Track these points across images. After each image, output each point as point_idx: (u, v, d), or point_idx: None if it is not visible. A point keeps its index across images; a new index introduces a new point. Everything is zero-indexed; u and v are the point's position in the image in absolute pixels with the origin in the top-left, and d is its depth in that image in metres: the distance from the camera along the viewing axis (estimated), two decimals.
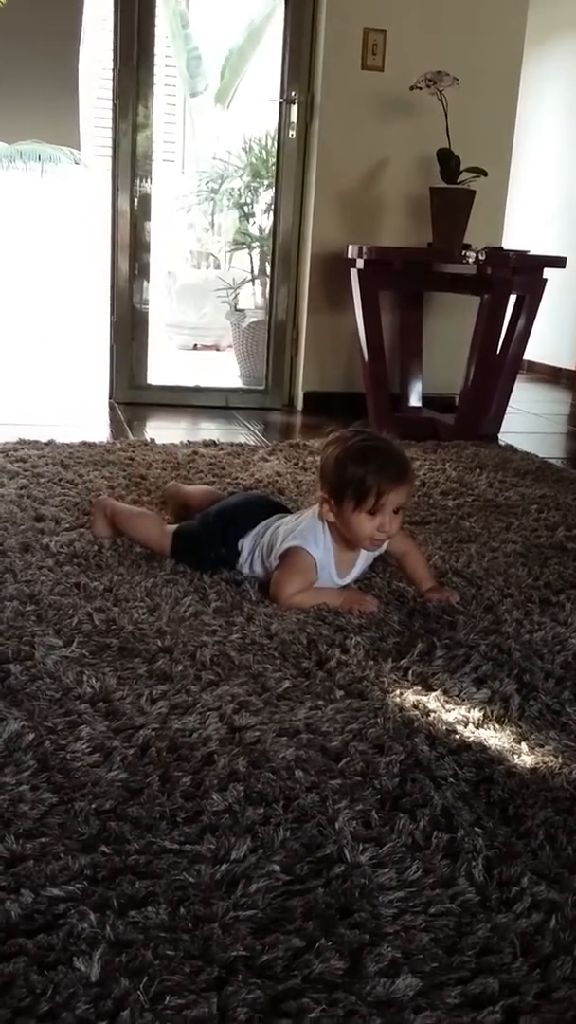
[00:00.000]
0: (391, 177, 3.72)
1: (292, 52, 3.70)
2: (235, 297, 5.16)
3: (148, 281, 3.81)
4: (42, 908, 0.90)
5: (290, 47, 3.70)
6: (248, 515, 1.84)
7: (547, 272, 3.48)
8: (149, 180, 3.70)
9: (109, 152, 3.74)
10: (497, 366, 3.44)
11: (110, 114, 3.66)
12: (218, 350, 5.75)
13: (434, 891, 0.95)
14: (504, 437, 3.46)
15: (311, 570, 1.68)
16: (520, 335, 3.50)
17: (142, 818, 1.04)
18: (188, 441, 2.98)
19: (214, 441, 2.99)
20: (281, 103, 3.77)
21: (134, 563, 1.83)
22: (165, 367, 4.49)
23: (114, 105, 3.63)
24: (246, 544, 1.79)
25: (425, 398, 3.78)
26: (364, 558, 1.75)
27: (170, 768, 1.14)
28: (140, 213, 3.72)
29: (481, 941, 0.89)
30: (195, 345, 5.86)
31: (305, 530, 1.70)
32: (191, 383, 4.08)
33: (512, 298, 3.40)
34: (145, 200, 3.71)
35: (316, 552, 1.68)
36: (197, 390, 3.98)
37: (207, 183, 5.63)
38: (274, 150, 3.98)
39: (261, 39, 6.03)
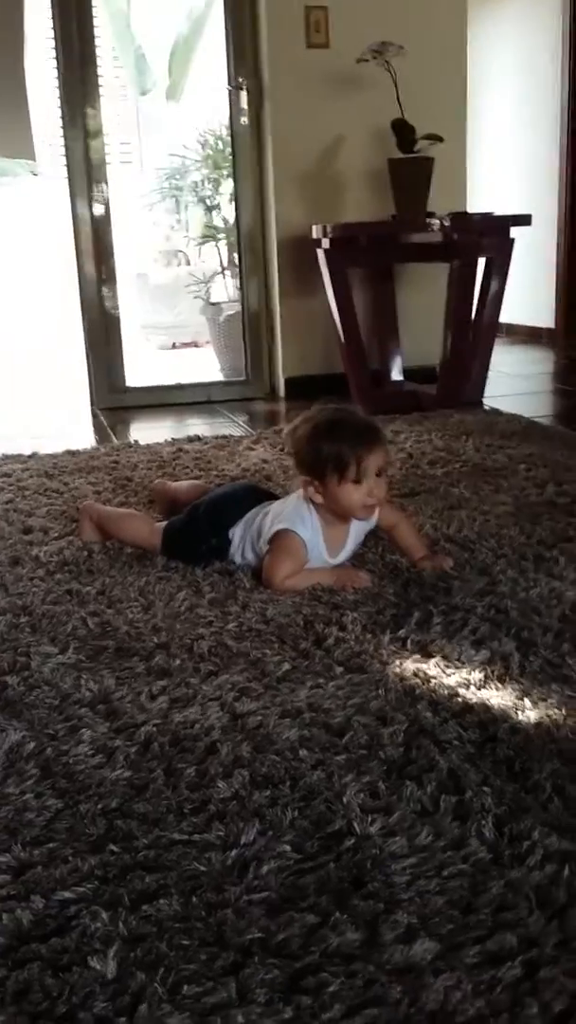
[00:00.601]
0: (348, 153, 3.69)
1: (235, 38, 3.68)
2: (207, 291, 5.14)
3: (116, 284, 3.79)
4: (54, 912, 0.89)
5: (232, 33, 3.68)
6: (236, 504, 1.84)
7: (519, 234, 3.46)
8: (106, 183, 3.68)
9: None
10: (474, 331, 3.43)
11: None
12: (197, 347, 5.73)
13: (446, 854, 0.94)
14: (488, 401, 3.44)
15: (301, 551, 1.67)
16: (493, 298, 3.48)
17: (149, 813, 1.04)
18: (172, 439, 2.97)
19: (198, 436, 2.98)
20: (230, 91, 3.75)
21: (125, 564, 1.83)
22: (146, 369, 4.48)
23: (62, 111, 3.61)
24: (236, 533, 1.79)
25: (406, 371, 3.77)
26: (354, 535, 1.74)
27: (174, 761, 1.14)
28: (101, 217, 3.70)
29: (496, 898, 0.88)
30: (173, 344, 5.85)
31: (291, 513, 1.69)
32: (172, 382, 4.07)
33: (481, 261, 3.39)
34: (105, 204, 3.69)
35: (304, 533, 1.67)
36: (178, 388, 3.97)
37: (167, 180, 5.61)
38: (229, 139, 3.96)
39: (204, 29, 6.00)
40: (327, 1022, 0.76)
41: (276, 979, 0.81)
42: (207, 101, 5.26)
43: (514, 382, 3.95)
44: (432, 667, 1.34)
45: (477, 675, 1.30)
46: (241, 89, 3.70)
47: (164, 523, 1.89)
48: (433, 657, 1.37)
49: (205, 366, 4.79)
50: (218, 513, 1.83)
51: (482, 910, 0.87)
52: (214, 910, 0.89)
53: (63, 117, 3.61)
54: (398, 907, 0.88)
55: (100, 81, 3.65)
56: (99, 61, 3.65)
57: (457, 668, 1.33)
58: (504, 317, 4.00)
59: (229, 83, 3.74)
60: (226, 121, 3.90)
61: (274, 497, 1.88)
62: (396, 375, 3.75)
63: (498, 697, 1.24)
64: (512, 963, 0.81)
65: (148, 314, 5.88)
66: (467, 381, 3.42)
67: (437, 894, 0.89)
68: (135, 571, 1.79)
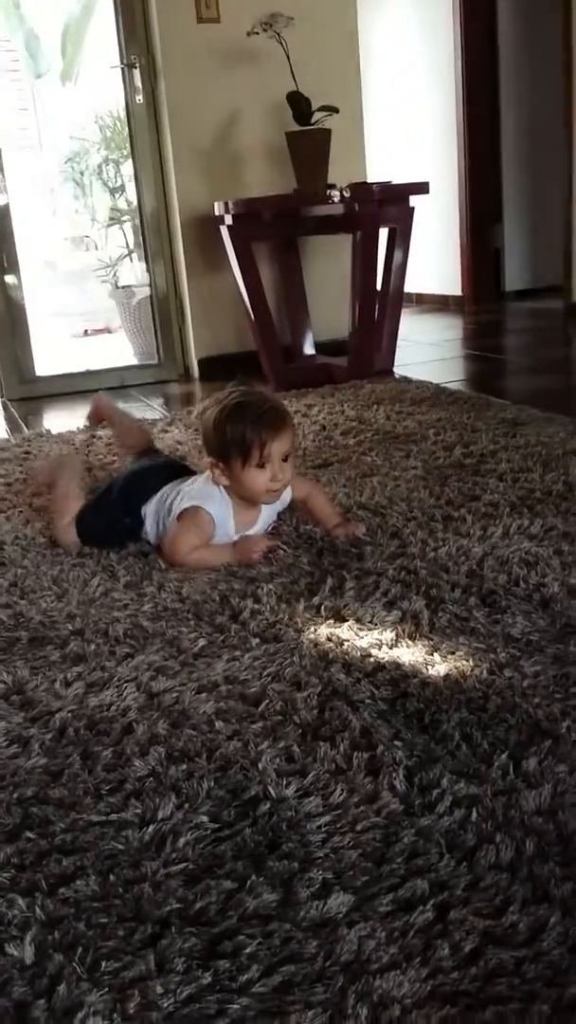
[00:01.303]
0: (246, 128, 3.67)
1: (125, 15, 3.61)
2: (115, 275, 5.07)
3: (20, 273, 3.71)
4: None
5: (122, 10, 3.61)
6: (152, 479, 1.82)
7: (423, 203, 3.49)
8: (3, 170, 3.59)
9: None
10: (380, 302, 3.45)
11: None
12: (109, 332, 5.65)
13: (359, 808, 0.96)
14: (399, 370, 3.48)
15: (206, 526, 1.67)
16: (398, 267, 3.51)
17: (65, 798, 1.03)
18: (86, 426, 2.92)
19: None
20: (123, 69, 3.68)
21: (38, 554, 1.80)
22: (58, 357, 4.40)
23: None
24: (149, 511, 1.77)
25: (317, 345, 3.78)
26: (266, 514, 1.74)
27: (90, 744, 1.13)
28: (0, 206, 3.62)
29: (408, 847, 0.90)
30: (85, 331, 5.76)
31: (199, 491, 1.69)
32: (83, 368, 4.01)
33: (384, 232, 3.41)
34: (3, 191, 3.60)
35: (213, 509, 1.66)
36: (89, 374, 3.92)
37: (68, 163, 5.50)
38: (126, 119, 3.90)
39: (95, 7, 5.87)
40: (245, 983, 0.77)
41: (194, 947, 0.81)
42: (102, 81, 5.16)
43: (424, 350, 4.00)
44: (345, 631, 1.35)
45: (389, 635, 1.33)
46: (134, 67, 3.64)
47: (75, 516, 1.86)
48: (347, 621, 1.39)
49: (118, 351, 4.73)
50: (131, 489, 1.81)
51: (395, 860, 0.89)
52: (131, 886, 0.89)
53: None
54: (313, 865, 0.89)
55: None
56: None
57: (370, 630, 1.35)
58: (413, 287, 4.05)
59: (121, 61, 3.68)
60: (122, 101, 3.84)
61: (192, 473, 1.86)
62: (308, 349, 3.76)
63: (409, 654, 1.27)
64: (424, 908, 0.83)
65: (58, 302, 5.78)
66: (377, 351, 3.45)
67: (351, 848, 0.91)
68: (48, 560, 1.76)
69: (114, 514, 1.80)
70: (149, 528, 1.78)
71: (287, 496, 1.73)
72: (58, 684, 1.29)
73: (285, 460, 1.63)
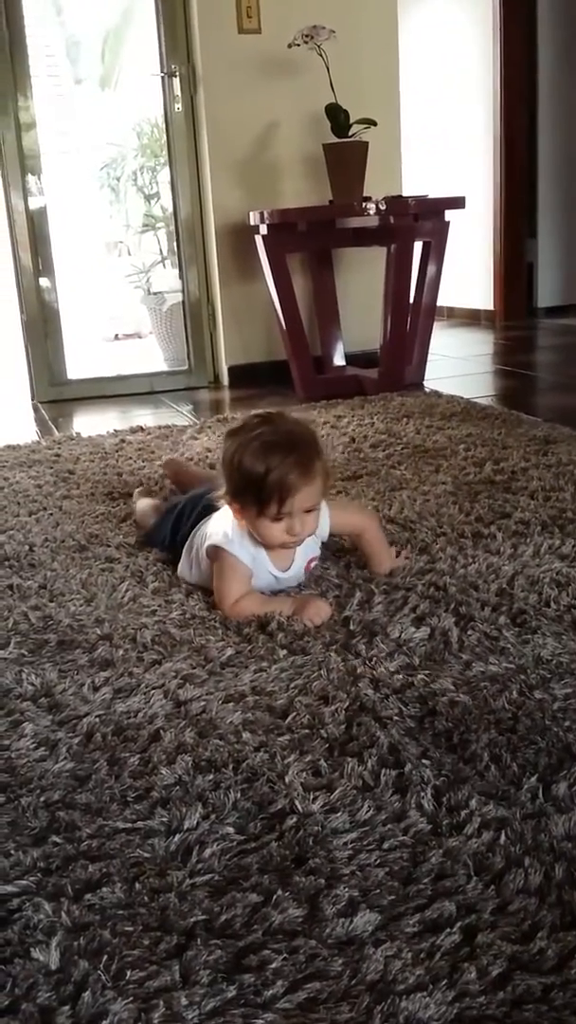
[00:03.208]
0: (284, 139, 3.68)
1: (167, 24, 3.64)
2: (147, 281, 5.10)
3: (55, 276, 3.75)
4: None
5: (164, 19, 3.64)
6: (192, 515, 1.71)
7: (457, 218, 3.49)
8: (42, 174, 3.63)
9: None
10: (413, 315, 3.45)
11: None
12: (140, 337, 5.68)
13: (386, 827, 0.96)
14: (429, 384, 3.47)
15: (240, 567, 1.51)
16: (431, 280, 3.50)
17: (92, 803, 1.04)
18: (115, 430, 2.95)
19: (141, 427, 2.96)
20: (163, 78, 3.71)
21: (67, 557, 1.81)
22: (88, 361, 4.42)
23: None
24: (184, 550, 1.68)
25: (348, 356, 3.78)
26: (303, 544, 1.54)
27: (117, 750, 1.13)
28: (37, 209, 3.65)
29: (435, 867, 0.90)
30: (116, 335, 5.79)
31: (221, 527, 1.54)
32: (114, 373, 4.03)
33: (418, 245, 3.41)
34: (41, 195, 3.64)
35: (234, 548, 1.51)
36: (120, 379, 3.94)
37: (104, 169, 5.55)
38: (164, 127, 3.92)
39: (135, 16, 5.92)
40: (270, 999, 0.77)
41: (219, 959, 0.81)
42: (142, 89, 5.20)
43: (454, 364, 3.99)
44: (374, 646, 1.35)
45: (418, 651, 1.32)
46: (174, 76, 3.67)
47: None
48: (375, 636, 1.38)
49: (149, 356, 4.76)
50: (178, 520, 1.74)
51: (422, 880, 0.88)
52: (157, 895, 0.89)
53: None
54: (339, 881, 0.89)
55: (32, 72, 3.60)
56: (30, 52, 3.59)
57: (398, 645, 1.35)
58: (445, 300, 4.05)
59: (162, 70, 3.71)
60: (161, 109, 3.87)
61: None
62: (338, 360, 3.76)
63: (438, 672, 1.26)
64: (451, 930, 0.82)
65: (89, 306, 5.81)
66: (408, 364, 3.45)
67: (378, 866, 0.90)
68: (77, 564, 1.77)
69: (163, 533, 1.77)
70: (181, 564, 1.67)
71: (324, 528, 1.57)
72: (86, 688, 1.29)
73: (309, 511, 1.46)
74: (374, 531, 1.64)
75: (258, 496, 1.42)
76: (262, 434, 1.44)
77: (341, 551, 1.74)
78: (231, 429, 1.51)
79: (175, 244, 3.99)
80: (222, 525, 1.55)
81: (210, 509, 1.63)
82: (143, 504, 2.02)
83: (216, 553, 1.54)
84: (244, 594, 1.51)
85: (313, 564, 1.61)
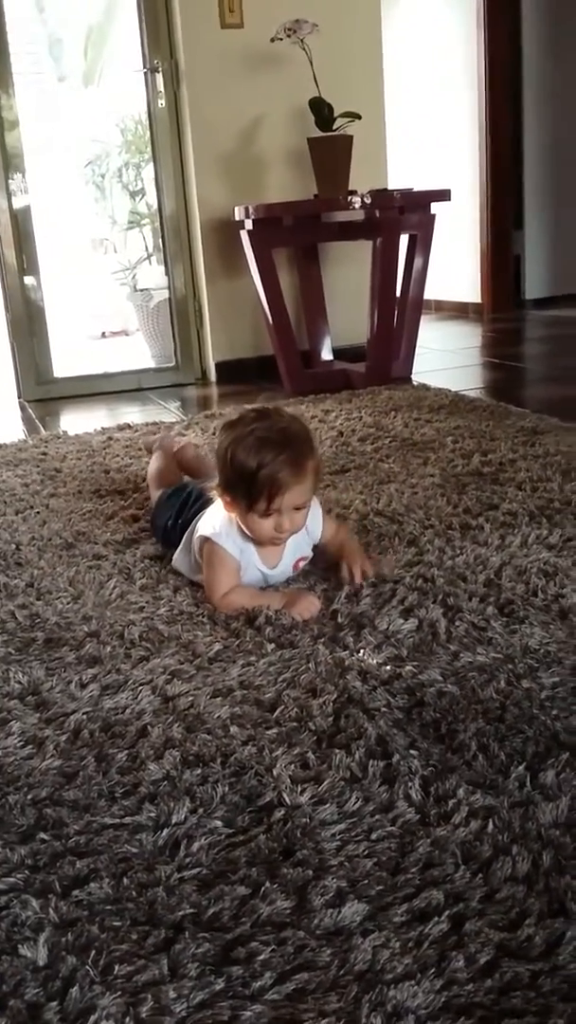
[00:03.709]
0: (268, 133, 3.67)
1: (149, 20, 3.63)
2: (133, 278, 5.09)
3: (40, 275, 3.73)
4: None
5: (146, 15, 3.63)
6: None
7: (444, 211, 3.48)
8: (25, 172, 3.62)
9: None
10: (400, 308, 3.45)
11: None
12: (127, 335, 5.67)
13: (374, 817, 0.96)
14: (418, 377, 3.47)
15: (228, 560, 1.51)
16: (418, 274, 3.50)
17: (79, 800, 1.03)
18: (103, 428, 2.94)
19: (129, 424, 2.96)
20: (146, 73, 3.70)
21: (54, 555, 1.81)
22: (75, 359, 4.41)
23: None
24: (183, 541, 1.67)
25: (336, 350, 3.78)
26: (293, 544, 1.55)
27: (105, 747, 1.13)
28: (21, 207, 3.63)
29: (423, 857, 0.90)
30: (103, 333, 5.78)
31: (213, 518, 1.54)
32: (100, 370, 4.02)
33: (404, 238, 3.40)
34: (24, 193, 3.62)
35: (224, 541, 1.51)
36: (107, 376, 3.93)
37: (88, 166, 5.53)
38: (148, 123, 3.91)
39: (117, 11, 5.90)
40: (258, 990, 0.77)
41: (207, 952, 0.81)
42: (125, 85, 5.18)
43: (442, 357, 3.99)
44: (362, 638, 1.35)
45: (406, 643, 1.32)
46: (157, 72, 3.65)
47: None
48: (363, 628, 1.38)
49: (136, 354, 4.74)
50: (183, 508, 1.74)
51: (410, 869, 0.88)
52: (145, 890, 0.89)
53: None
54: (327, 873, 0.89)
55: (14, 69, 3.58)
56: (12, 48, 3.57)
57: (386, 637, 1.35)
58: (432, 293, 4.05)
59: (144, 65, 3.69)
60: (144, 105, 3.85)
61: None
62: (326, 355, 3.76)
63: (426, 663, 1.26)
64: (439, 918, 0.82)
65: (76, 304, 5.79)
66: (395, 358, 3.45)
67: (366, 857, 0.90)
68: (64, 561, 1.77)
69: (167, 515, 1.75)
70: (178, 554, 1.67)
71: (316, 529, 1.58)
72: (73, 686, 1.29)
73: (298, 509, 1.46)
74: (353, 540, 1.65)
75: (248, 491, 1.42)
76: (256, 429, 1.44)
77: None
78: (227, 422, 1.51)
79: (161, 241, 3.98)
80: (214, 517, 1.55)
81: (210, 500, 1.63)
82: (154, 467, 2.03)
83: (205, 545, 1.54)
84: (233, 587, 1.52)
85: (302, 564, 1.61)
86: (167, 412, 3.32)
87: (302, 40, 3.33)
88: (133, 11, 3.71)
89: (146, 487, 2.12)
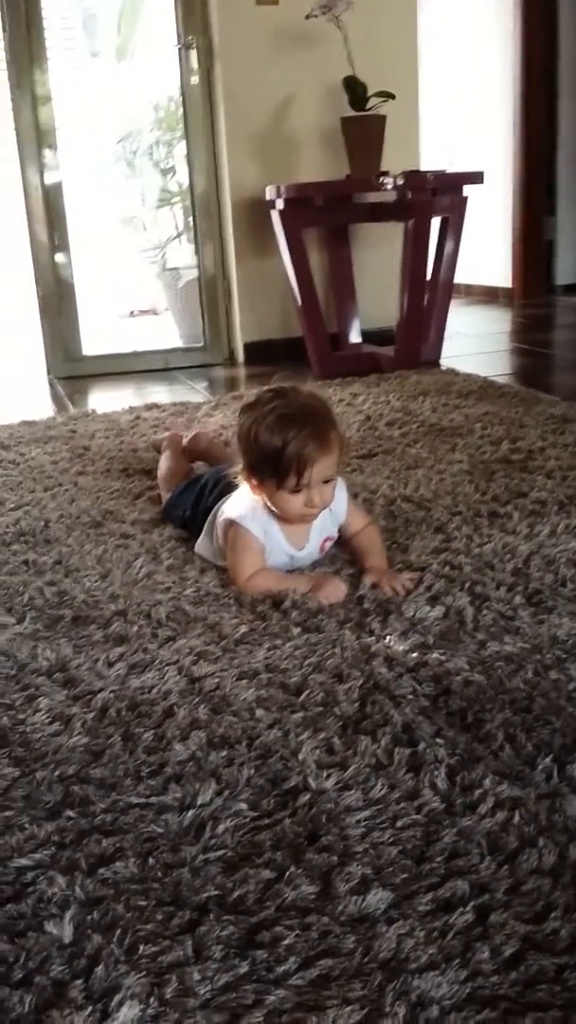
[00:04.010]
0: (301, 112, 3.64)
1: None
2: (163, 257, 5.07)
3: (70, 251, 3.73)
4: (10, 879, 0.89)
5: None
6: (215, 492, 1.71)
7: (476, 194, 3.44)
8: (57, 148, 3.61)
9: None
10: (430, 291, 3.42)
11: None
12: (155, 314, 5.66)
13: (400, 805, 0.95)
14: (446, 361, 3.44)
15: (253, 543, 1.50)
16: (449, 257, 3.47)
17: (106, 778, 1.04)
18: (131, 407, 2.94)
19: (156, 404, 2.96)
20: (179, 50, 3.67)
21: (82, 533, 1.81)
22: (104, 336, 4.41)
23: (9, 76, 3.52)
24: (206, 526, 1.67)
25: (364, 333, 3.75)
26: (319, 525, 1.55)
27: (131, 726, 1.14)
28: (53, 183, 3.63)
29: (449, 846, 0.89)
30: (131, 311, 5.77)
31: (239, 501, 1.54)
32: (129, 350, 4.02)
33: (436, 221, 3.37)
34: (56, 169, 3.62)
35: (249, 523, 1.50)
36: (135, 355, 3.93)
37: (119, 143, 5.51)
38: (181, 100, 3.88)
39: None
40: (282, 975, 0.77)
41: (232, 935, 0.81)
42: (158, 62, 5.15)
43: (471, 342, 3.96)
44: (388, 624, 1.34)
45: (432, 630, 1.31)
46: (190, 48, 3.63)
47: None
48: (390, 614, 1.38)
49: (164, 333, 4.74)
50: (201, 495, 1.75)
51: (435, 858, 0.88)
52: (171, 870, 0.89)
53: (10, 81, 3.52)
54: (352, 859, 0.89)
55: (48, 44, 3.56)
56: (46, 23, 3.56)
57: (413, 624, 1.34)
58: (462, 277, 4.00)
59: (178, 42, 3.67)
60: (177, 82, 3.82)
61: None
62: (354, 337, 3.74)
63: (452, 651, 1.25)
64: (464, 909, 0.82)
65: (105, 281, 5.79)
66: (424, 342, 3.42)
67: (391, 845, 0.90)
68: (92, 540, 1.78)
69: (183, 507, 1.77)
70: (200, 540, 1.67)
71: (341, 509, 1.57)
72: (100, 664, 1.29)
73: (327, 482, 1.46)
74: (375, 532, 1.61)
75: (276, 469, 1.42)
76: (276, 407, 1.44)
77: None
78: (245, 404, 1.51)
79: (191, 219, 3.96)
80: (238, 501, 1.55)
81: (233, 485, 1.61)
82: (164, 467, 2.02)
83: (229, 527, 1.54)
84: (259, 570, 1.51)
85: (328, 544, 1.60)
86: (195, 392, 3.32)
87: (337, 18, 3.28)
88: None
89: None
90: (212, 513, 1.65)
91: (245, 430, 1.46)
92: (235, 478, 1.55)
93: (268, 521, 1.52)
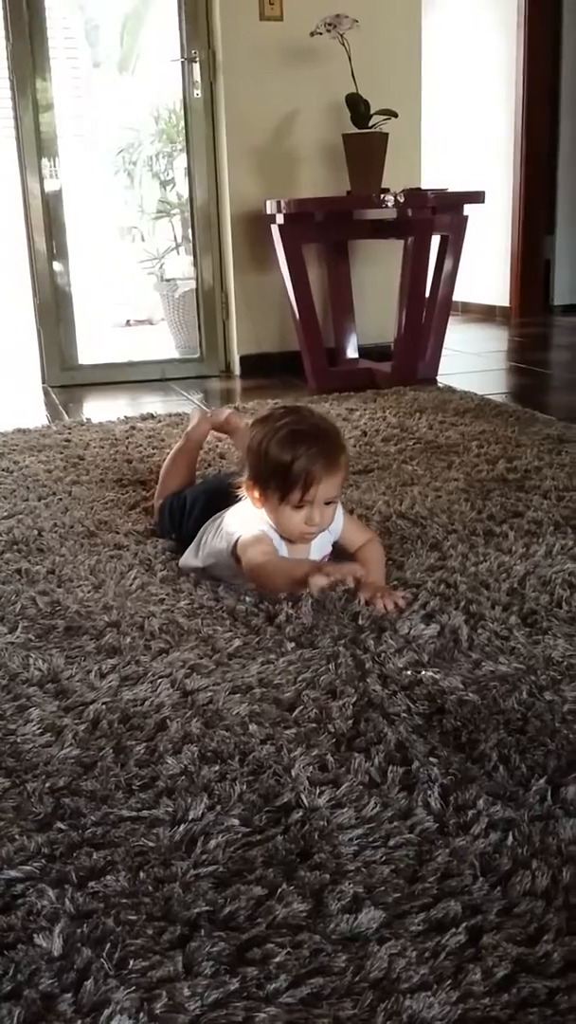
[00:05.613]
0: (303, 128, 3.66)
1: (188, 9, 3.62)
2: (161, 267, 5.08)
3: (68, 260, 3.73)
4: None
5: (185, 4, 3.62)
6: (205, 508, 1.70)
7: (475, 212, 3.46)
8: (58, 157, 3.62)
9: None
10: (428, 309, 3.43)
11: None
12: (151, 324, 5.67)
13: (392, 824, 0.95)
14: (443, 379, 3.46)
15: (263, 535, 1.49)
16: (448, 275, 3.48)
17: (97, 791, 1.03)
18: (126, 417, 2.94)
19: (152, 414, 2.96)
20: (183, 63, 3.69)
21: (76, 543, 1.81)
22: (100, 346, 4.41)
23: (11, 82, 3.53)
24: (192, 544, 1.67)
25: (361, 349, 3.77)
26: (318, 544, 1.56)
27: (123, 739, 1.13)
28: (52, 192, 3.64)
29: (441, 867, 0.89)
30: (128, 321, 5.78)
31: (242, 517, 1.54)
32: (125, 359, 4.02)
33: (436, 239, 3.39)
34: (56, 178, 3.63)
35: (264, 528, 1.51)
36: (131, 365, 3.93)
37: (119, 153, 5.52)
38: (183, 113, 3.90)
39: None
40: (272, 992, 0.76)
41: (222, 951, 0.81)
42: (160, 74, 5.17)
43: (469, 360, 3.97)
44: (383, 642, 1.34)
45: (427, 648, 1.31)
46: (194, 61, 3.64)
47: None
48: (384, 631, 1.37)
49: (160, 343, 4.74)
50: (189, 511, 1.74)
51: (428, 878, 0.88)
52: (161, 885, 0.89)
53: (12, 90, 3.53)
54: (344, 877, 0.88)
55: (51, 54, 3.58)
56: (49, 33, 3.57)
57: (407, 642, 1.34)
58: (460, 295, 4.02)
59: (182, 55, 3.69)
60: (179, 94, 3.84)
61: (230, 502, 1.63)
62: (351, 353, 3.75)
63: (447, 670, 1.25)
64: (456, 930, 0.82)
65: (101, 291, 5.80)
66: (421, 359, 3.43)
67: (383, 863, 0.90)
68: (86, 550, 1.77)
69: (168, 529, 1.79)
70: (186, 554, 1.66)
71: (337, 526, 1.57)
72: (93, 675, 1.29)
73: (329, 503, 1.48)
74: (376, 548, 1.60)
75: (283, 483, 1.44)
76: (289, 423, 1.46)
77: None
78: (257, 418, 1.53)
79: (190, 231, 3.97)
80: (243, 518, 1.54)
81: (215, 502, 1.63)
82: (166, 467, 1.99)
83: (238, 542, 1.51)
84: (264, 553, 1.48)
85: (325, 560, 1.60)
86: (189, 403, 3.32)
87: (341, 35, 3.31)
88: (173, 0, 3.70)
89: None
90: (202, 531, 1.64)
91: (256, 442, 1.47)
92: (237, 489, 1.55)
93: (274, 534, 1.52)
